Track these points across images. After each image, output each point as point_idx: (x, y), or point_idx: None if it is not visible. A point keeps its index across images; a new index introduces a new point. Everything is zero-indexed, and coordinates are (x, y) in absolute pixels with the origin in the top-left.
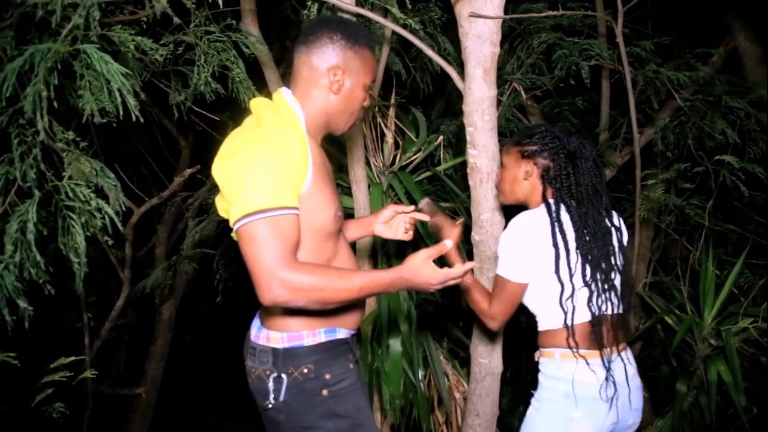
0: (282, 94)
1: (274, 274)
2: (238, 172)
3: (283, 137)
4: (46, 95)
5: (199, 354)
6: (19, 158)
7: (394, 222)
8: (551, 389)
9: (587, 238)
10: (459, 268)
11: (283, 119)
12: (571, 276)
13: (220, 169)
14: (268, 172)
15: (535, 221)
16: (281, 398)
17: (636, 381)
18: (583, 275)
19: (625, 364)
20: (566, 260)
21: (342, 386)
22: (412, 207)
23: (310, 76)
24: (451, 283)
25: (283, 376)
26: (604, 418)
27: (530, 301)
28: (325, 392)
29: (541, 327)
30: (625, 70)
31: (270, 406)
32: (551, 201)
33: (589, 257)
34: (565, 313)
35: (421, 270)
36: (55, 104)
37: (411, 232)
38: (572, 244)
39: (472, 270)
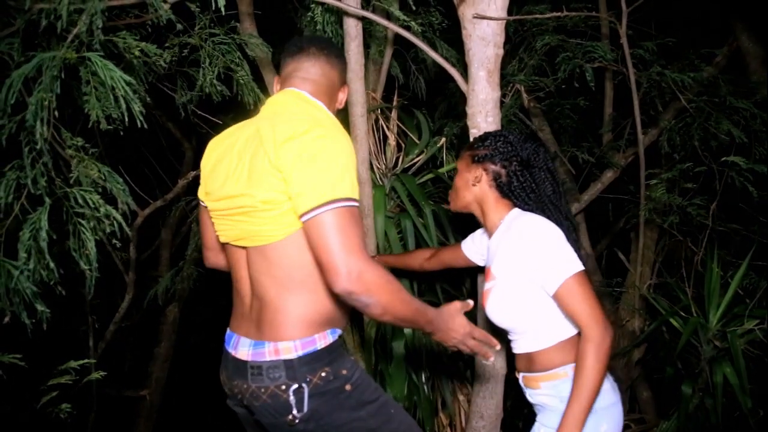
0: (313, 99)
1: (356, 262)
2: (327, 155)
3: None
4: (47, 105)
5: (203, 356)
6: (30, 165)
7: None
8: None
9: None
10: (487, 334)
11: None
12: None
13: (290, 149)
14: (351, 162)
15: (547, 221)
16: (305, 408)
17: None
18: None
19: None
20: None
21: (357, 375)
22: None
23: (330, 86)
24: (470, 343)
25: (303, 385)
26: (620, 418)
27: (554, 309)
28: (348, 387)
29: (555, 339)
30: (629, 72)
31: (297, 420)
32: (519, 207)
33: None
34: None
35: (455, 318)
36: (56, 114)
37: None
38: None
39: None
